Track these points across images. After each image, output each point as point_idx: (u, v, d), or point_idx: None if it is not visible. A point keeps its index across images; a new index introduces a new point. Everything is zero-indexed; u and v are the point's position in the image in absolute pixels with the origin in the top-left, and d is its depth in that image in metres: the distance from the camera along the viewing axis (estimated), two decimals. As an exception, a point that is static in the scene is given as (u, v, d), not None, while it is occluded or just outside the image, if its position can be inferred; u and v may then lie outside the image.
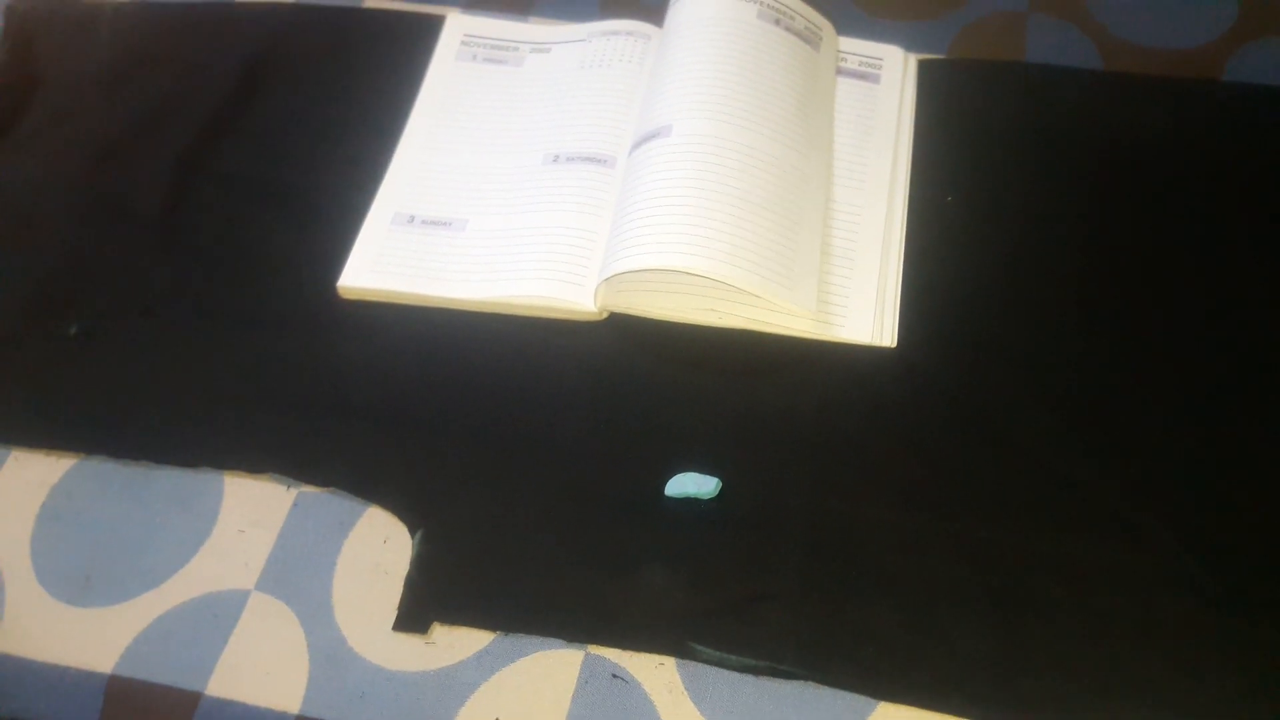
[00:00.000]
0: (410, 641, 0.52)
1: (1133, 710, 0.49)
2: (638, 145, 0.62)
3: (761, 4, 0.66)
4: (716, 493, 0.55)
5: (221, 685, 0.52)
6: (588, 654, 0.51)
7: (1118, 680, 0.49)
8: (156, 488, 0.57)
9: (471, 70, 0.71)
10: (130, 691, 0.52)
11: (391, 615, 0.53)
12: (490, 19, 0.73)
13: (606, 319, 0.61)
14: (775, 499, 0.55)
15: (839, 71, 0.68)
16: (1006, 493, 0.54)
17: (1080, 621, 0.51)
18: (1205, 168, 0.64)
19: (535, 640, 0.52)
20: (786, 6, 0.67)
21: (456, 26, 0.73)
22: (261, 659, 0.52)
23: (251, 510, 0.56)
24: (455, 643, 0.52)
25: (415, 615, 0.52)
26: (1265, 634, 0.50)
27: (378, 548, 0.55)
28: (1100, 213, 0.63)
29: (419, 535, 0.54)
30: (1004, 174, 0.64)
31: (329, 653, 0.52)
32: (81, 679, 0.52)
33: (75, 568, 0.55)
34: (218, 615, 0.53)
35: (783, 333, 0.59)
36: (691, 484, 0.54)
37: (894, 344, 0.59)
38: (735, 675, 0.51)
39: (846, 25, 0.70)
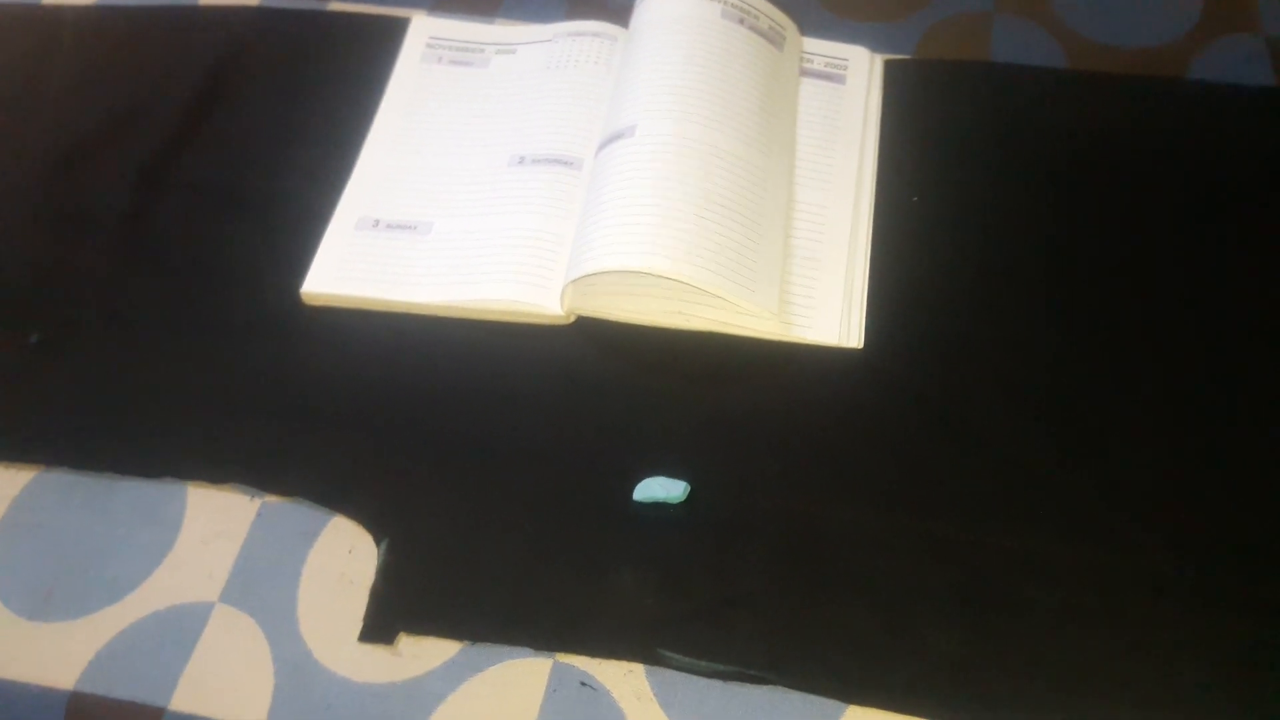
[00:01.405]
0: (376, 652, 0.52)
1: (1105, 708, 0.49)
2: (603, 146, 0.62)
3: (726, 3, 0.66)
4: (685, 497, 0.54)
5: (186, 700, 0.51)
6: (556, 662, 0.51)
7: (1090, 678, 0.49)
8: (119, 499, 0.57)
9: (437, 72, 0.70)
10: (92, 708, 0.51)
11: (357, 626, 0.52)
12: (455, 21, 0.73)
13: (573, 322, 0.60)
14: (744, 502, 0.54)
15: (805, 72, 0.68)
16: (976, 492, 0.54)
17: (1051, 620, 0.51)
18: (1171, 165, 0.64)
19: (503, 649, 0.51)
20: (750, 6, 0.67)
21: (421, 29, 0.72)
22: (226, 672, 0.52)
23: (215, 521, 0.56)
24: (422, 653, 0.52)
25: (381, 626, 0.52)
26: (1236, 630, 0.50)
27: (343, 558, 0.54)
28: (1066, 211, 0.63)
29: (384, 545, 0.54)
30: (970, 173, 0.64)
31: (294, 665, 0.51)
32: (42, 696, 0.51)
33: (36, 582, 0.54)
34: (181, 628, 0.53)
35: (750, 335, 0.59)
36: (660, 488, 0.54)
37: (861, 345, 0.59)
38: (704, 681, 0.50)
39: (812, 26, 0.70)
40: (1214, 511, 0.53)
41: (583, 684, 0.50)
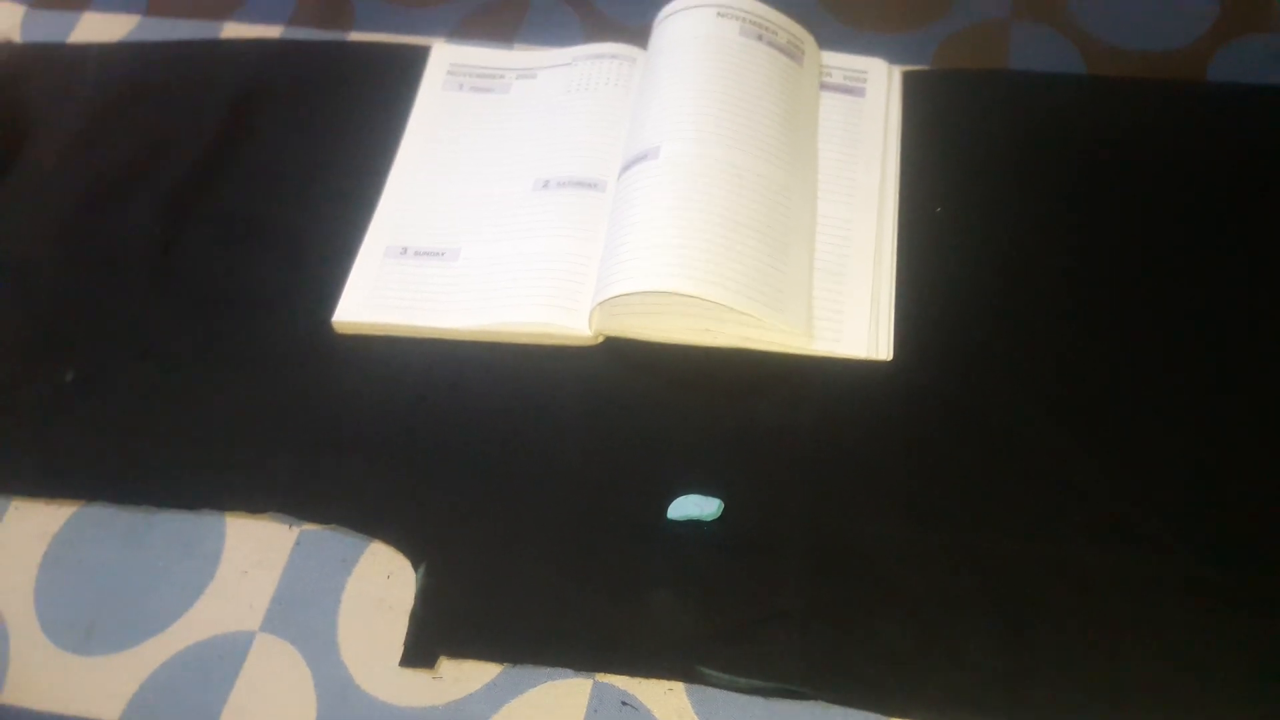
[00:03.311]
0: (418, 677, 0.52)
1: (1143, 713, 0.49)
2: (627, 168, 0.62)
3: (744, 20, 0.66)
4: (719, 514, 0.54)
5: (230, 729, 0.52)
6: (596, 682, 0.51)
7: (1129, 685, 0.49)
8: (158, 532, 0.57)
9: (459, 99, 0.71)
10: (138, 739, 0.52)
11: (398, 651, 0.52)
12: (475, 48, 0.74)
13: (602, 343, 0.61)
14: (778, 518, 0.54)
15: (824, 86, 0.68)
16: (1009, 501, 0.54)
17: (1088, 628, 0.51)
18: (1192, 168, 0.64)
19: (543, 670, 0.52)
20: (769, 21, 0.67)
21: (442, 56, 0.73)
22: (269, 701, 0.52)
23: (254, 551, 0.56)
24: (463, 676, 0.52)
25: (421, 650, 0.52)
26: (1273, 631, 0.50)
27: (382, 583, 0.55)
28: (1090, 216, 0.63)
29: (422, 569, 0.54)
30: (993, 182, 0.64)
31: (336, 691, 0.52)
32: (88, 728, 0.52)
33: (79, 616, 0.55)
34: (223, 658, 0.53)
35: (778, 350, 0.59)
36: (693, 506, 0.54)
37: (890, 357, 0.59)
38: (745, 698, 0.50)
39: (829, 39, 0.70)
40: (1245, 513, 0.53)
41: (624, 703, 0.51)
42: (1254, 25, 0.69)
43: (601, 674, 0.51)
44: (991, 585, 0.52)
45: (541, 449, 0.58)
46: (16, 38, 0.79)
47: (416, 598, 0.54)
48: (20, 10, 0.80)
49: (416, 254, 0.64)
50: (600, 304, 0.58)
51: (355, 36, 0.76)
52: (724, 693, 0.50)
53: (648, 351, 0.60)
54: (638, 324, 0.60)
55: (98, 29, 0.78)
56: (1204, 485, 0.54)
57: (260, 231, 0.67)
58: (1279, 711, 0.48)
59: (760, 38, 0.66)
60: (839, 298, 0.60)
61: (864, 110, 0.67)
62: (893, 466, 0.56)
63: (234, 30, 0.77)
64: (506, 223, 0.64)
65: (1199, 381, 0.57)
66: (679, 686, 0.51)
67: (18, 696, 0.53)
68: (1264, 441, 0.55)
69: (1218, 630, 0.50)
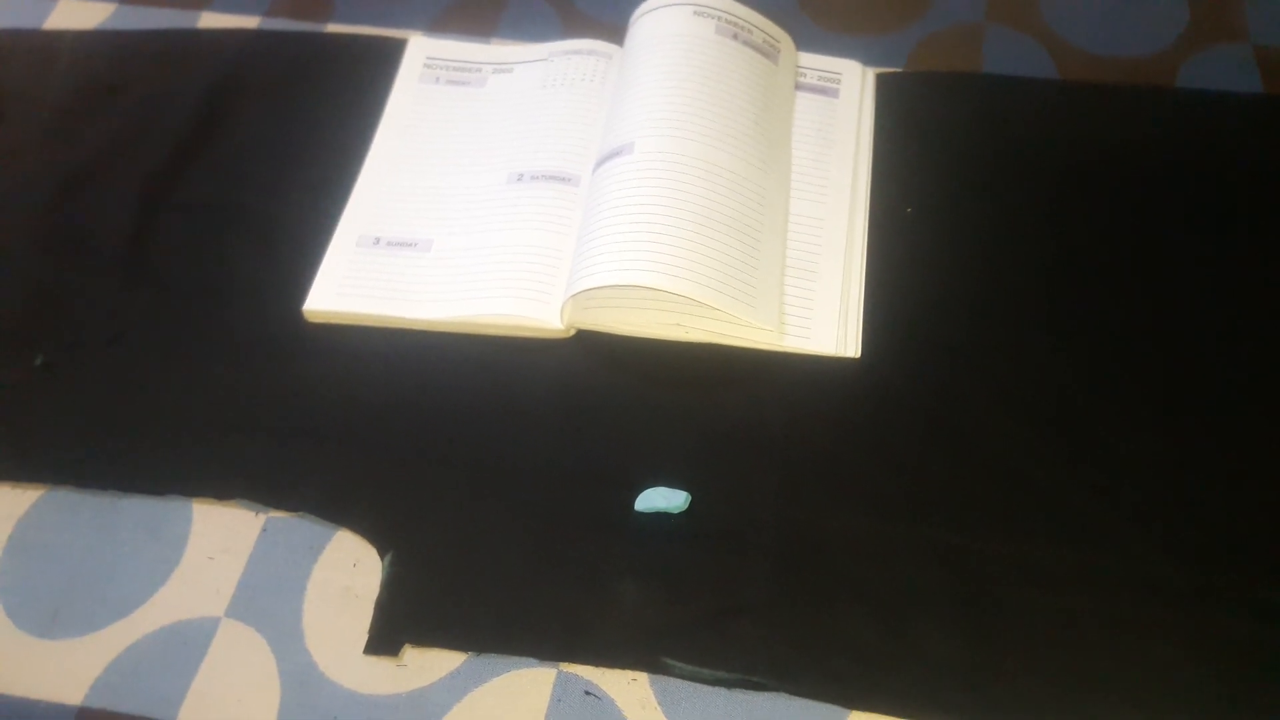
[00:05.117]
0: (382, 664, 0.52)
1: (1106, 711, 0.49)
2: (601, 163, 0.63)
3: (720, 19, 0.66)
4: (686, 506, 0.55)
5: (193, 714, 0.51)
6: (560, 672, 0.51)
7: (1090, 682, 0.50)
8: (125, 517, 0.57)
9: (434, 92, 0.71)
10: (100, 723, 0.52)
11: (362, 639, 0.52)
12: (452, 41, 0.74)
13: (573, 336, 0.61)
14: (744, 511, 0.55)
15: (798, 86, 0.69)
16: (974, 498, 0.55)
17: (1051, 624, 0.51)
18: (1160, 173, 0.65)
19: (507, 659, 0.52)
20: (745, 21, 0.67)
21: (419, 49, 0.73)
22: (233, 686, 0.52)
23: (221, 537, 0.56)
24: (427, 664, 0.52)
25: (386, 638, 0.52)
26: (1234, 630, 0.51)
27: (348, 571, 0.55)
28: (1059, 219, 0.63)
29: (389, 557, 0.54)
30: (963, 183, 0.65)
31: (300, 678, 0.52)
32: (51, 712, 0.52)
33: (44, 600, 0.55)
34: (188, 643, 0.53)
35: (748, 346, 0.60)
36: (660, 498, 0.54)
37: (858, 354, 0.59)
38: (708, 689, 0.51)
39: (805, 41, 0.71)
40: (1209, 514, 0.54)
41: (587, 693, 0.51)
42: (1223, 34, 0.70)
43: (566, 664, 0.52)
44: (955, 581, 0.53)
45: (511, 440, 0.58)
46: (-9, 23, 0.78)
47: (382, 586, 0.54)
48: (-5, -4, 0.80)
49: (389, 244, 0.64)
50: (572, 297, 0.59)
51: (333, 28, 0.76)
52: (687, 683, 0.51)
53: (619, 345, 0.60)
54: (609, 318, 0.60)
55: (73, 16, 0.78)
56: (1165, 485, 0.55)
57: (233, 220, 0.67)
58: (1236, 709, 0.49)
59: (736, 36, 0.66)
60: (809, 295, 0.61)
61: (837, 111, 0.68)
62: (859, 462, 0.56)
63: (211, 20, 0.77)
64: (480, 215, 0.65)
65: (1162, 383, 0.58)
66: (643, 677, 0.51)
67: (-20, 680, 0.53)
68: (1225, 443, 0.56)
69: (1177, 627, 0.51)
